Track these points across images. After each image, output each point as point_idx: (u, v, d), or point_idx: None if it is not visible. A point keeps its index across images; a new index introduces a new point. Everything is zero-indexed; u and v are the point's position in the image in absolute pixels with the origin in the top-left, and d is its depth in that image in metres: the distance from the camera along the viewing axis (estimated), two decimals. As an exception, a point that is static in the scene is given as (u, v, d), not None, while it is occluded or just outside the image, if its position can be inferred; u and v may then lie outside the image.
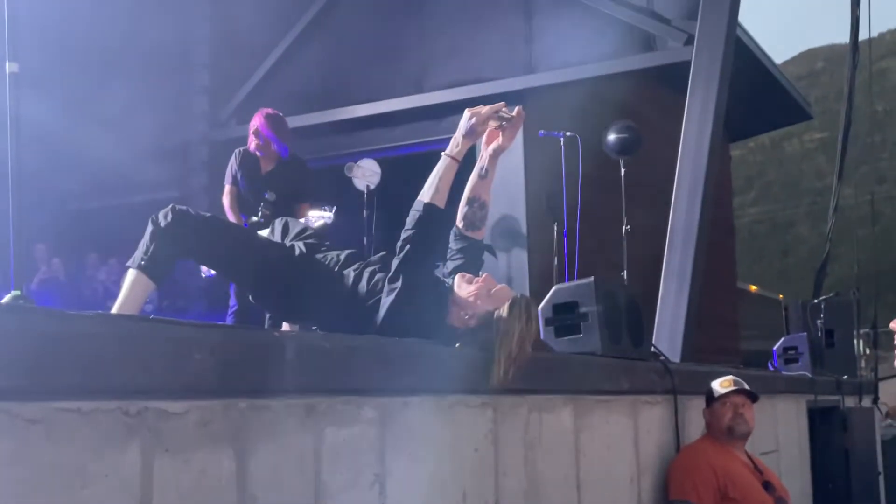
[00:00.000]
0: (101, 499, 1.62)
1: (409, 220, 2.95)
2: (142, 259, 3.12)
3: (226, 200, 6.00)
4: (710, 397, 4.26)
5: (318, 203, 5.81)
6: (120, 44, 6.94)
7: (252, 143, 5.92)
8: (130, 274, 3.13)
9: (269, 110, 6.00)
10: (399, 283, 2.87)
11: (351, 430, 2.24)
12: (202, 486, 1.82)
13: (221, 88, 10.18)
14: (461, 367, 2.65)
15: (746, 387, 4.27)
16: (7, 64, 2.32)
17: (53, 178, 5.16)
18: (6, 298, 2.15)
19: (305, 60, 10.04)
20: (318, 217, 5.56)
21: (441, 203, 2.96)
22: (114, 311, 2.95)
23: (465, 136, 3.07)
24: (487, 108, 3.07)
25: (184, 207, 3.26)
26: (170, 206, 3.21)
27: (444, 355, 2.64)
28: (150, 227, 3.19)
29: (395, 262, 2.92)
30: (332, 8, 9.99)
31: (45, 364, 1.56)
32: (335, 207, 5.64)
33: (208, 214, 3.46)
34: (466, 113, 3.09)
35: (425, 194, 2.97)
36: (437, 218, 2.96)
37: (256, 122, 5.91)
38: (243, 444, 1.93)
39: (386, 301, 2.89)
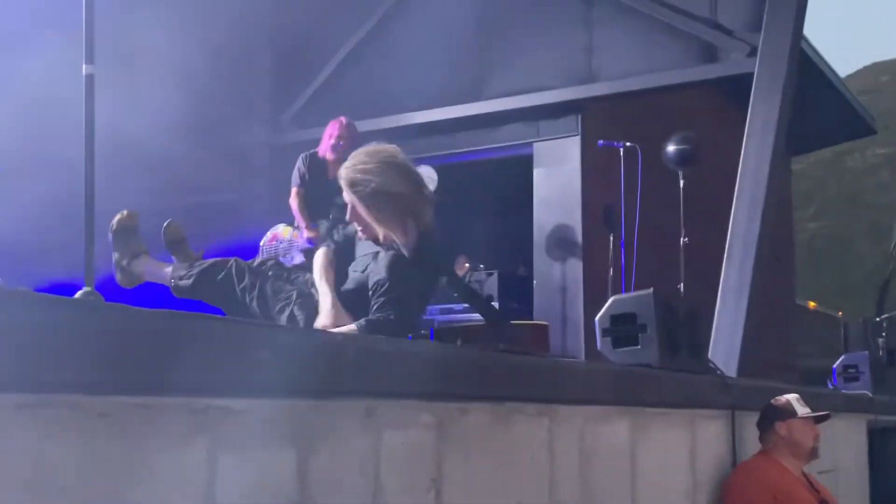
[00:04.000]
0: (166, 494, 1.64)
1: None
2: None
3: (294, 202, 6.09)
4: (790, 413, 4.17)
5: None
6: (185, 48, 7.08)
7: (328, 149, 6.04)
8: None
9: (346, 119, 6.14)
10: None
11: (409, 433, 2.25)
12: (264, 485, 1.84)
13: (282, 94, 10.31)
14: (517, 372, 2.65)
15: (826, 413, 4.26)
16: (84, 66, 2.38)
17: (121, 179, 5.30)
18: (78, 294, 2.21)
19: (365, 67, 10.11)
20: None
21: None
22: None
23: None
24: None
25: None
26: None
27: (500, 362, 2.65)
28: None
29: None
30: (393, 15, 10.06)
31: (114, 359, 1.59)
32: None
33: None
34: None
35: None
36: None
37: (335, 128, 6.04)
38: (304, 444, 1.95)
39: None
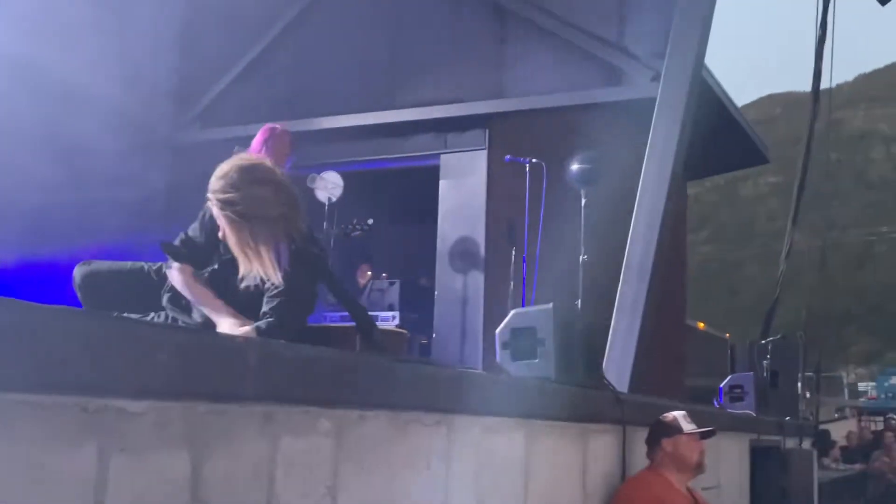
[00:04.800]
0: (55, 495, 1.60)
1: None
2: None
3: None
4: (675, 430, 4.29)
5: None
6: (97, 41, 6.93)
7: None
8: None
9: (279, 126, 6.10)
10: None
11: (307, 440, 2.24)
12: (156, 489, 1.81)
13: (187, 93, 10.12)
14: (417, 381, 2.67)
15: (712, 428, 4.38)
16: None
17: (31, 169, 5.16)
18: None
19: (274, 69, 10.02)
20: None
21: None
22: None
23: None
24: None
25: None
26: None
27: (403, 370, 2.66)
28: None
29: None
30: (304, 18, 10.00)
31: (4, 354, 1.54)
32: None
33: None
34: None
35: None
36: None
37: (265, 134, 5.98)
38: (200, 447, 1.92)
39: None
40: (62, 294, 3.65)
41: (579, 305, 6.98)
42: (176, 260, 3.30)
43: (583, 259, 7.17)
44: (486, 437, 3.01)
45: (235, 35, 9.86)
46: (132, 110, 8.52)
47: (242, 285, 3.13)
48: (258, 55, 10.10)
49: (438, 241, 8.82)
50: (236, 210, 3.03)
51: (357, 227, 7.09)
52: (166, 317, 3.40)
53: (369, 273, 10.23)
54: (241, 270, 3.04)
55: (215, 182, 3.11)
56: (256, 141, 6.06)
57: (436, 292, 8.91)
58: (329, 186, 8.58)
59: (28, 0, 6.87)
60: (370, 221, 6.80)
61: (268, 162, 3.30)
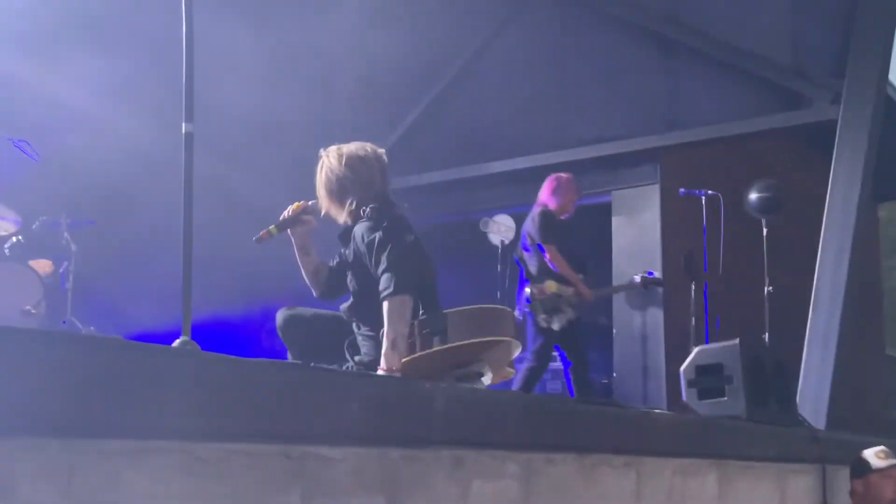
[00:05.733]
0: (265, 538, 1.69)
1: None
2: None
3: (557, 259, 6.33)
4: (865, 468, 4.06)
5: None
6: (271, 101, 7.33)
7: (554, 202, 6.48)
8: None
9: (565, 175, 6.64)
10: None
11: (496, 484, 2.26)
12: (356, 532, 1.87)
13: (364, 140, 10.47)
14: (603, 423, 2.65)
15: None
16: (183, 125, 2.49)
17: (224, 230, 5.49)
18: (176, 343, 2.28)
19: (443, 117, 10.24)
20: None
21: None
22: None
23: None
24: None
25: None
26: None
27: (584, 412, 2.64)
28: None
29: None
30: (471, 66, 10.20)
31: (217, 407, 1.65)
32: None
33: None
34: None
35: None
36: None
37: (556, 183, 6.55)
38: (395, 492, 1.97)
39: None
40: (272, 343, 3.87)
41: (767, 339, 6.71)
42: None
43: (768, 291, 6.90)
44: (678, 480, 2.94)
45: (407, 86, 10.16)
46: (310, 167, 8.88)
47: None
48: (428, 105, 10.37)
49: (614, 278, 8.71)
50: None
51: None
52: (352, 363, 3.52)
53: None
54: None
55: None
56: (545, 191, 6.58)
57: (614, 330, 8.79)
58: (502, 229, 8.66)
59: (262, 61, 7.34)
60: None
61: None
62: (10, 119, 6.24)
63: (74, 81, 6.72)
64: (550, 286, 6.31)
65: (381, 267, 3.16)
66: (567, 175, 6.73)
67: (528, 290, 6.42)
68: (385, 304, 3.08)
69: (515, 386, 6.13)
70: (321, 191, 3.53)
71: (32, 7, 6.39)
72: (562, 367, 8.36)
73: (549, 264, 6.36)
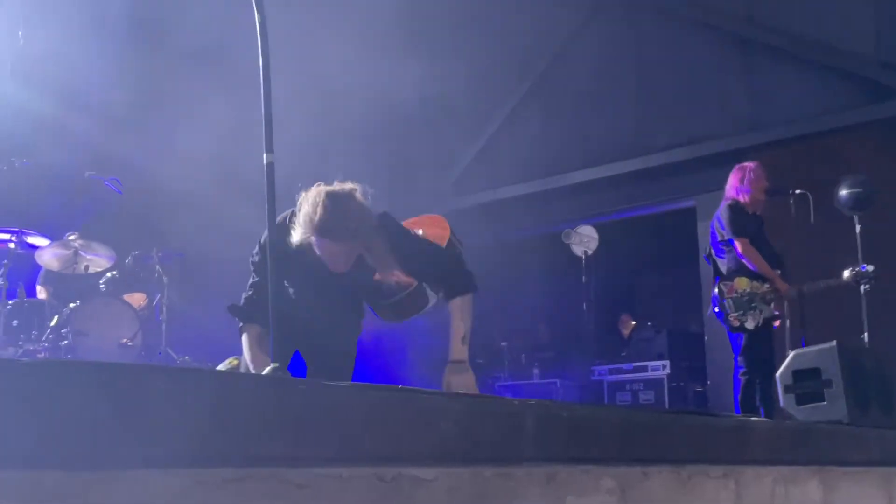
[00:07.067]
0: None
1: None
2: None
3: (750, 252, 6.18)
4: None
5: None
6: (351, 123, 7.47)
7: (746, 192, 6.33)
8: None
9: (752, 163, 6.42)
10: None
11: (591, 499, 2.23)
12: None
13: (439, 162, 10.51)
14: (699, 433, 2.59)
15: None
16: (265, 155, 2.55)
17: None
18: (266, 370, 2.33)
19: (520, 130, 10.23)
20: None
21: None
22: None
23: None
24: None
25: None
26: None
27: (683, 422, 2.59)
28: None
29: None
30: (547, 76, 10.17)
31: (308, 432, 1.67)
32: None
33: None
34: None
35: None
36: None
37: (743, 172, 6.36)
38: (490, 511, 1.96)
39: None
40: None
41: (866, 339, 6.49)
42: None
43: (864, 289, 6.68)
44: (779, 488, 2.86)
45: (481, 101, 10.18)
46: (392, 182, 8.96)
47: None
48: (505, 119, 10.38)
49: (703, 283, 8.55)
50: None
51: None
52: None
53: (633, 322, 10.08)
54: None
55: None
56: (732, 184, 6.35)
57: (705, 338, 8.63)
58: (584, 240, 8.60)
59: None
60: None
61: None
62: (100, 160, 6.47)
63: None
64: (741, 283, 6.06)
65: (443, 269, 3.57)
66: (753, 163, 6.41)
67: (716, 288, 6.15)
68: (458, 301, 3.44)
69: (735, 395, 5.91)
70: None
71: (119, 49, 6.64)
72: (657, 376, 8.21)
73: (741, 259, 6.12)
